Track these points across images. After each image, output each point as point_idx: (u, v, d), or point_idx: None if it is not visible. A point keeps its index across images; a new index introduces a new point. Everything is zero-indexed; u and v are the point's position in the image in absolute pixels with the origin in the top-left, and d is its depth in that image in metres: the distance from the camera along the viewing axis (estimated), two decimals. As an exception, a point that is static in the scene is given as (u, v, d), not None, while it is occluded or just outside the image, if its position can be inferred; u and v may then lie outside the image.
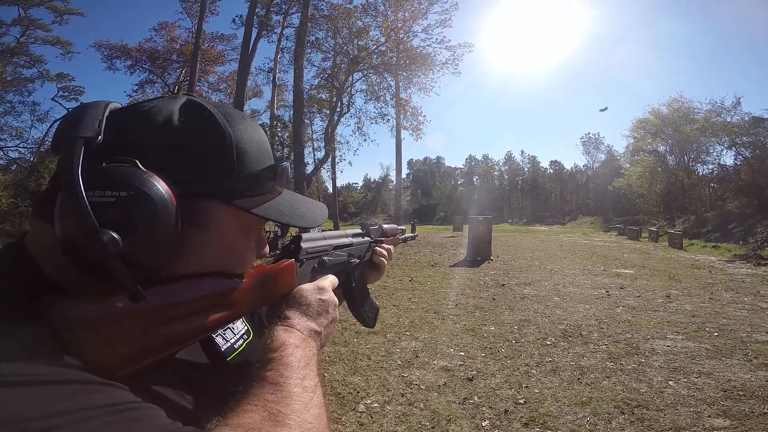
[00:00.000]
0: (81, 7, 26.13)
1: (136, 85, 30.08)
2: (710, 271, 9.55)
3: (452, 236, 20.72)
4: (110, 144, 0.40)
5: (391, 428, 2.71)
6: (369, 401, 3.06)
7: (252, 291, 0.52)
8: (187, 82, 25.17)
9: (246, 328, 0.65)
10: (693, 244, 16.49)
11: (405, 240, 1.14)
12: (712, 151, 28.85)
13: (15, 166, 27.32)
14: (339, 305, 0.66)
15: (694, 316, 5.39)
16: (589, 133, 52.10)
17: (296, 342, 0.50)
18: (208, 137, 0.46)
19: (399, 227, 1.04)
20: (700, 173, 30.11)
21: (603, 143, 49.76)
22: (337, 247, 0.74)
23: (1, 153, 26.20)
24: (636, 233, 21.08)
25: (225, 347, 0.58)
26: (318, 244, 0.68)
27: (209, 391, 0.49)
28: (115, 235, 0.36)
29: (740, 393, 3.16)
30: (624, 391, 3.21)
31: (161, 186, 0.40)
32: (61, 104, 27.48)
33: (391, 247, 0.95)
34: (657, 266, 10.35)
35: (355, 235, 0.82)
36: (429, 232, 25.69)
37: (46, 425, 0.31)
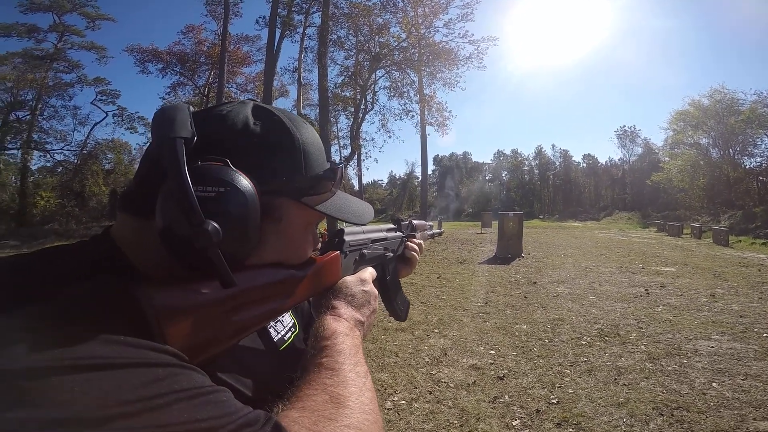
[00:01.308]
0: (110, 12, 27.39)
1: (168, 87, 31.26)
2: (759, 270, 8.93)
3: (481, 233, 20.41)
4: (195, 144, 0.43)
5: (419, 426, 2.70)
6: (396, 398, 3.06)
7: (306, 281, 0.55)
8: (216, 84, 25.92)
9: (293, 321, 0.68)
10: (740, 241, 15.51)
11: (432, 236, 1.14)
12: (759, 143, 27.44)
13: (60, 168, 28.88)
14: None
15: (741, 317, 5.07)
16: (624, 126, 49.84)
17: (345, 331, 0.54)
18: (280, 140, 0.50)
19: (427, 223, 1.05)
20: (748, 166, 28.47)
21: (639, 136, 47.60)
22: (374, 241, 0.76)
23: (48, 156, 27.75)
24: (677, 229, 20.01)
25: (276, 338, 0.61)
26: (358, 237, 0.71)
27: (265, 377, 0.52)
28: (217, 225, 0.39)
29: (791, 396, 2.97)
30: (663, 393, 3.07)
31: (249, 183, 0.44)
32: (100, 108, 28.84)
33: (421, 242, 0.97)
34: (700, 264, 9.79)
35: (389, 230, 0.85)
36: (457, 229, 25.41)
37: (139, 408, 0.32)
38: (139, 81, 59.61)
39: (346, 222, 0.60)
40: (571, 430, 2.64)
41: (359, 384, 0.47)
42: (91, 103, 28.49)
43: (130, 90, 54.93)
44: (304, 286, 0.55)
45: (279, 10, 18.33)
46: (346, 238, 0.66)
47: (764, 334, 4.37)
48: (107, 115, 28.92)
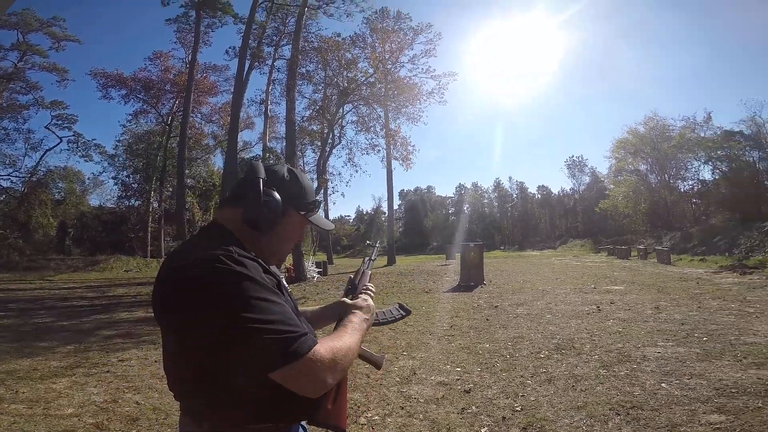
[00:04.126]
0: (77, 34, 26.01)
1: (130, 114, 30.06)
2: (698, 283, 9.77)
3: (445, 264, 20.84)
4: (264, 180, 1.00)
5: (393, 438, 2.77)
6: (370, 414, 3.12)
7: None
8: (181, 112, 25.17)
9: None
10: (681, 259, 16.84)
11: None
12: (690, 167, 29.78)
13: (4, 196, 26.45)
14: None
15: (683, 324, 5.54)
16: (573, 156, 53.07)
17: (355, 320, 1.05)
18: (295, 183, 1.06)
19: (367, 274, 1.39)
20: (682, 190, 30.91)
21: (587, 165, 50.73)
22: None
23: (-8, 182, 25.14)
24: (625, 252, 21.44)
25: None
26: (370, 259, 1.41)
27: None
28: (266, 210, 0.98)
29: (733, 390, 3.25)
30: (618, 395, 3.29)
31: (278, 197, 0.98)
32: (54, 132, 27.06)
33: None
34: (646, 281, 10.56)
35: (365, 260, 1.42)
36: (422, 262, 25.77)
37: (236, 287, 0.81)
38: (100, 107, 56.02)
39: (320, 228, 1.20)
40: (535, 433, 2.79)
41: (350, 336, 0.98)
42: (46, 127, 26.84)
43: (89, 116, 51.34)
44: None
45: (250, 41, 18.62)
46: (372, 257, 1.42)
47: (704, 338, 4.80)
48: (61, 140, 27.26)
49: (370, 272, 1.33)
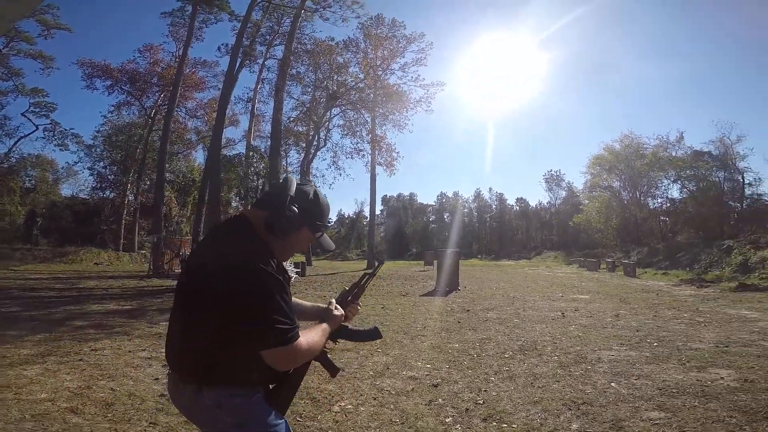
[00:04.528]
0: (69, 23, 25.17)
1: (112, 106, 29.43)
2: (657, 294, 10.36)
3: (423, 270, 21.15)
4: (293, 196, 1.23)
5: (365, 425, 2.95)
6: (343, 403, 3.30)
7: None
8: (165, 106, 24.79)
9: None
10: (646, 272, 17.65)
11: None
12: (660, 185, 30.73)
13: None
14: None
15: (638, 331, 5.94)
16: (551, 170, 54.50)
17: (323, 326, 1.35)
18: (315, 204, 1.28)
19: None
20: (652, 207, 31.96)
21: (564, 180, 52.13)
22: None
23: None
24: (595, 265, 22.28)
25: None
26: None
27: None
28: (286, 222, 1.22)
29: (674, 390, 3.56)
30: (571, 392, 3.58)
31: (297, 215, 1.21)
32: (30, 120, 26.18)
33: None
34: (610, 292, 11.10)
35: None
36: (401, 267, 26.01)
37: (264, 284, 1.10)
38: (82, 97, 54.61)
39: (324, 248, 1.45)
40: (494, 423, 3.02)
41: (320, 339, 1.29)
42: (22, 114, 25.93)
43: (70, 105, 49.51)
44: None
45: (243, 40, 18.53)
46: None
47: (655, 344, 5.18)
48: (37, 128, 26.36)
49: (365, 288, 1.60)
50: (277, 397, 1.27)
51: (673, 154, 28.79)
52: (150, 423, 2.91)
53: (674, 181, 28.75)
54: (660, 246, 23.68)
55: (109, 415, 3.05)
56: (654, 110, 60.92)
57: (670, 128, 50.28)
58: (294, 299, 1.36)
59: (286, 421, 1.27)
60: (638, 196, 31.68)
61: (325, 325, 1.34)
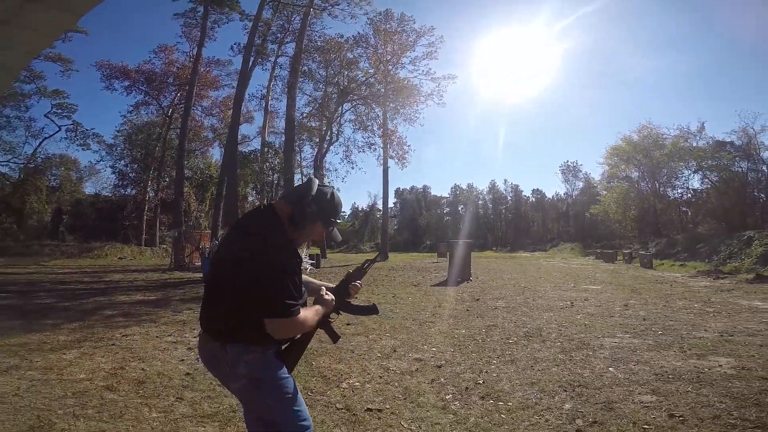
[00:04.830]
0: (84, 25, 26.03)
1: (131, 106, 30.38)
2: (671, 285, 10.31)
3: (437, 262, 21.29)
4: (313, 195, 1.55)
5: (371, 399, 3.21)
6: (351, 381, 3.57)
7: None
8: (182, 105, 25.44)
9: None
10: (662, 264, 17.41)
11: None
12: (680, 175, 29.98)
13: (0, 182, 26.82)
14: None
15: (645, 320, 6.02)
16: (567, 161, 53.69)
17: (317, 307, 1.59)
18: (331, 203, 1.59)
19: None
20: (672, 197, 31.26)
21: (581, 171, 51.24)
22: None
23: (-10, 167, 25.46)
24: (611, 256, 22.03)
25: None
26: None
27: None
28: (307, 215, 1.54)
29: (670, 376, 3.67)
30: (569, 375, 3.73)
31: (315, 212, 1.54)
32: (53, 121, 27.37)
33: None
34: (624, 282, 11.08)
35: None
36: (414, 259, 26.24)
37: (280, 265, 1.40)
38: (101, 97, 56.87)
39: (333, 240, 1.71)
40: (491, 401, 3.22)
41: (314, 317, 1.54)
42: (45, 115, 27.18)
43: (90, 106, 51.52)
44: None
45: (255, 38, 18.89)
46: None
47: (659, 332, 5.26)
48: (60, 129, 27.64)
49: (366, 272, 1.82)
50: (287, 356, 1.55)
51: (694, 144, 28.02)
52: (177, 398, 3.22)
53: (695, 172, 28.08)
54: (679, 237, 23.21)
55: (141, 391, 3.38)
56: (672, 101, 59.29)
57: (690, 119, 48.89)
58: (305, 277, 1.65)
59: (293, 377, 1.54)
60: (657, 186, 30.97)
61: (318, 307, 1.59)
